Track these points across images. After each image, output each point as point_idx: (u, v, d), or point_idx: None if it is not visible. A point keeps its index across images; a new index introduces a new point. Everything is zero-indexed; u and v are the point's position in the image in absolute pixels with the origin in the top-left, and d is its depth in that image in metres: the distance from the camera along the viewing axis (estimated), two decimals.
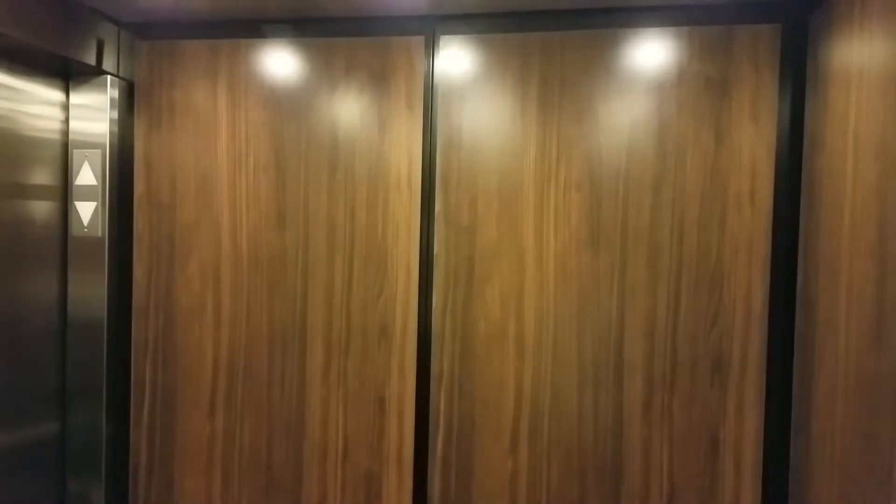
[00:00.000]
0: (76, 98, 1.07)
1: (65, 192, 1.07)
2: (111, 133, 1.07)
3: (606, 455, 0.99)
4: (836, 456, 0.88)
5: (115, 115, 1.07)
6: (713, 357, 0.97)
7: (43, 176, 1.05)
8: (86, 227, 1.06)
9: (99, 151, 1.06)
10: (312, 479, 1.06)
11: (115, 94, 1.07)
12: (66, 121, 1.07)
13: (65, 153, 1.07)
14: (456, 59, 1.02)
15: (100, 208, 1.06)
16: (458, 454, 1.02)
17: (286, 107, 1.05)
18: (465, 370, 1.02)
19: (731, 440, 0.96)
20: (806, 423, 0.91)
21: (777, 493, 0.95)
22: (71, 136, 1.07)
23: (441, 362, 1.03)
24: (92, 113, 1.06)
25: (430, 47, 1.02)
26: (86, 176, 1.06)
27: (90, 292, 1.07)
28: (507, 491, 1.01)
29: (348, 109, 1.04)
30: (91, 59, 1.03)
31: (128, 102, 1.10)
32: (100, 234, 1.06)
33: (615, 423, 0.99)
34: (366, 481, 1.04)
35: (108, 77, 1.06)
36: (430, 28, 1.02)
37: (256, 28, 1.06)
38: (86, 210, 1.06)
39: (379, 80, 1.03)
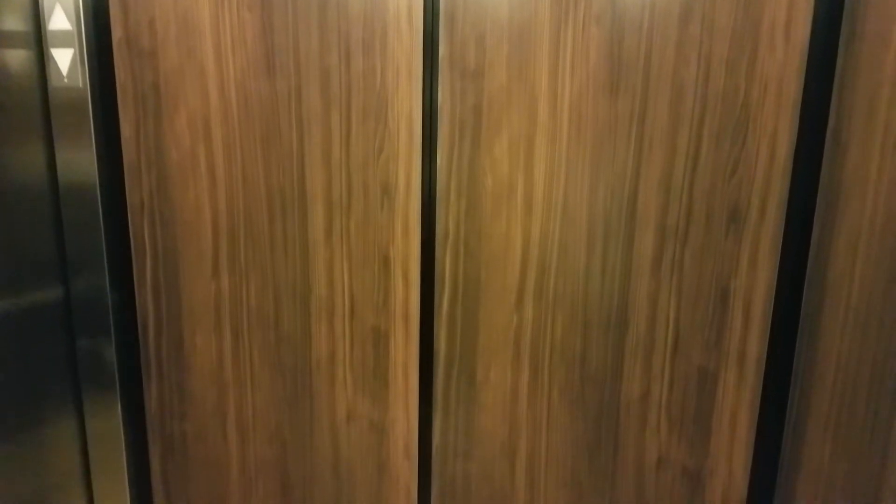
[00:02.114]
0: None
1: (39, 39, 0.99)
2: None
3: (612, 308, 0.98)
4: (851, 306, 0.86)
5: None
6: (730, 207, 0.93)
7: (12, 21, 0.96)
8: (65, 77, 0.99)
9: None
10: (321, 336, 1.07)
11: None
12: None
13: None
14: None
15: (77, 56, 0.98)
16: (463, 311, 1.02)
17: None
18: (471, 228, 0.99)
19: (742, 291, 0.94)
20: (822, 273, 0.89)
21: (785, 344, 0.95)
22: None
23: (446, 220, 1.00)
24: None
25: None
26: (59, 20, 0.97)
27: (78, 150, 1.02)
28: (511, 344, 1.02)
29: None
30: None
31: None
32: (81, 85, 0.99)
33: (623, 277, 0.97)
34: (373, 337, 1.05)
35: None
36: None
37: None
38: (63, 58, 0.98)
39: None
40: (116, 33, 1.01)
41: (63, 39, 0.98)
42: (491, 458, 1.06)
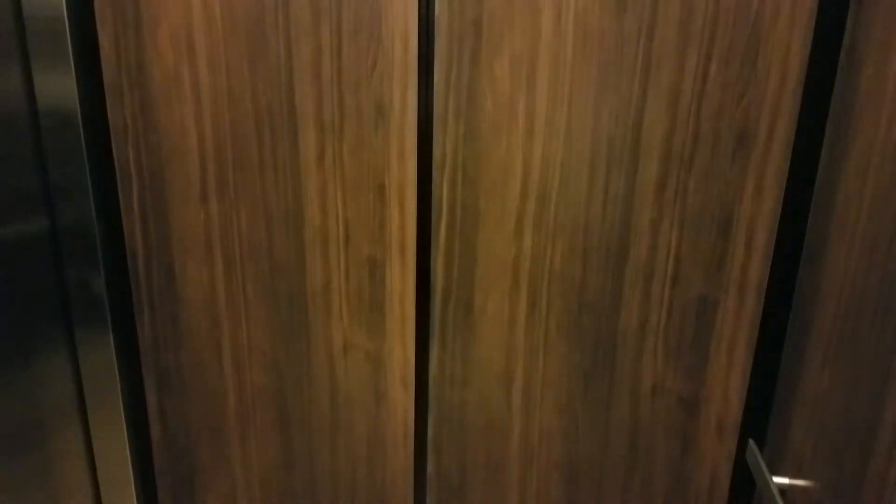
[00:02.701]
0: None
1: None
2: None
3: (613, 237, 0.96)
4: (857, 234, 0.85)
5: None
6: (738, 131, 0.90)
7: None
8: None
9: None
10: (315, 266, 1.04)
11: None
12: None
13: None
14: None
15: None
16: (461, 239, 1.00)
17: None
18: (470, 154, 0.96)
19: (746, 218, 0.92)
20: (829, 200, 0.87)
21: (787, 272, 0.94)
22: None
23: (444, 145, 0.96)
24: None
25: None
26: None
27: (55, 69, 0.96)
28: (510, 273, 1.00)
29: None
30: None
31: None
32: None
33: (625, 205, 0.95)
34: (369, 267, 1.03)
35: None
36: None
37: None
38: None
39: None
40: None
41: None
42: (487, 386, 1.06)
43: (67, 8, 0.94)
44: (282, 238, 1.03)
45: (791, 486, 0.86)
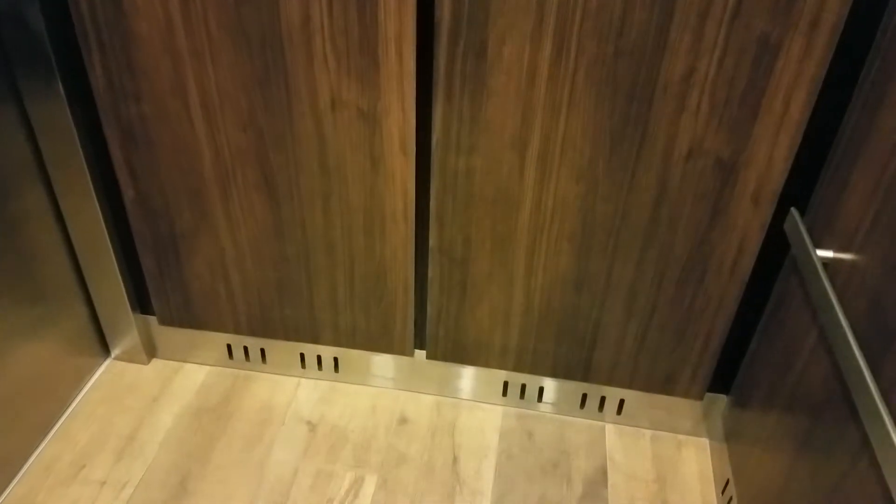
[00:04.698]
0: None
1: None
2: None
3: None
4: None
5: None
6: None
7: None
8: None
9: None
10: (291, 3, 0.84)
11: None
12: None
13: None
14: None
15: None
16: None
17: None
18: None
19: None
20: None
21: (872, 6, 0.76)
22: None
23: None
24: None
25: None
26: None
27: None
28: (534, 8, 0.81)
29: None
30: None
31: None
32: None
33: None
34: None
35: None
36: None
37: None
38: None
39: None
40: None
41: None
42: (499, 151, 0.94)
43: None
44: None
45: (834, 260, 0.78)
